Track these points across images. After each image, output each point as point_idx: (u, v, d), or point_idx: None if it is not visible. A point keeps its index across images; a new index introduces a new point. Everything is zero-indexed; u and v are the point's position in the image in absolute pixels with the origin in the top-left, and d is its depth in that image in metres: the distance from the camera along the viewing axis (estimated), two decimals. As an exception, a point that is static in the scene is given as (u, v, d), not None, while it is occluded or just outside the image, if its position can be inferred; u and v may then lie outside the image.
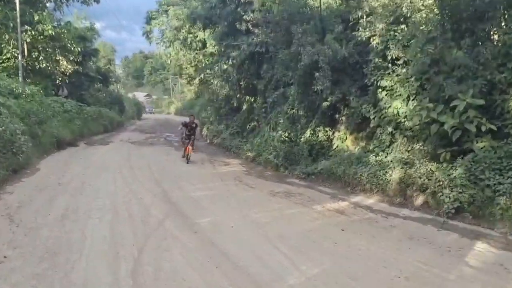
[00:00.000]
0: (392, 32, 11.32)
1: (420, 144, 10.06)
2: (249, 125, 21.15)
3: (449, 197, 8.25)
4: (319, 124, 14.56)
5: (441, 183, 8.66)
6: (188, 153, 16.47)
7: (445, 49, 9.58)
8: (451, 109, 9.21)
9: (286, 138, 15.23)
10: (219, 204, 9.28)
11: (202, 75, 28.85)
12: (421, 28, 10.29)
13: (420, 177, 9.23)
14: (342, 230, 7.20)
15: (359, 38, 12.83)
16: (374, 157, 11.17)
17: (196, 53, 27.24)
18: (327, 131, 14.45)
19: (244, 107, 21.54)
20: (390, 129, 11.30)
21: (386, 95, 11.78)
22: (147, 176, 13.12)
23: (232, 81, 20.62)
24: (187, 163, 16.12)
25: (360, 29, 12.34)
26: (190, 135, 16.93)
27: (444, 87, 9.46)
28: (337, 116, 14.26)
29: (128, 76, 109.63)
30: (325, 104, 13.15)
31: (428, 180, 9.06)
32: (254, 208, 8.87)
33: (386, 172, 10.32)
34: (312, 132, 14.67)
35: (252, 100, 20.59)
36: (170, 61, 31.97)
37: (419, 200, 9.17)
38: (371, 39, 11.98)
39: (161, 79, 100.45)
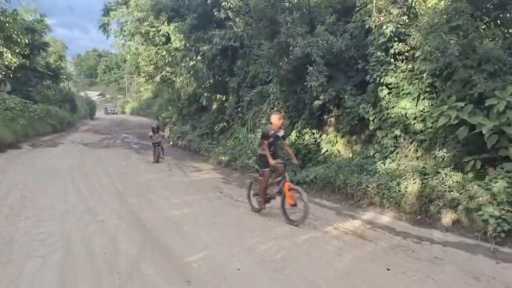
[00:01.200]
0: (405, 19, 9.60)
1: (442, 150, 8.35)
2: (218, 126, 18.99)
3: (493, 217, 6.60)
4: (305, 126, 12.67)
5: (479, 199, 6.99)
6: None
7: (473, 39, 7.96)
8: (484, 109, 7.63)
9: (268, 142, 13.20)
10: (208, 229, 7.11)
11: (163, 73, 26.26)
12: (442, 15, 8.61)
13: (448, 191, 7.54)
14: (388, 269, 5.27)
15: (355, 30, 11.13)
16: (382, 164, 9.41)
17: (158, 48, 24.62)
18: (314, 134, 12.59)
19: (214, 106, 19.32)
20: (397, 132, 9.60)
21: (389, 93, 10.11)
22: (107, 187, 10.66)
23: (202, 77, 18.34)
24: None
25: (366, 17, 10.51)
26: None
27: (473, 83, 7.85)
28: (325, 117, 12.44)
29: (80, 75, 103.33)
30: (316, 103, 11.27)
31: (459, 194, 7.39)
32: (255, 235, 6.79)
33: (399, 183, 8.60)
34: (298, 134, 12.76)
35: (223, 99, 18.42)
36: (129, 56, 28.94)
37: (448, 218, 7.45)
38: (374, 29, 10.21)
39: (116, 78, 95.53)
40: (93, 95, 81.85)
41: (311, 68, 10.51)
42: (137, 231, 6.76)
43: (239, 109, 17.13)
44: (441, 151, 8.57)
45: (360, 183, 9.34)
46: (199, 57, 18.11)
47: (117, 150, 19.81)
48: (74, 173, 12.73)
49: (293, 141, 12.71)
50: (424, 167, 8.49)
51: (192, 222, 7.46)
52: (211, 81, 18.37)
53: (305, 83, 10.71)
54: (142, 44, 24.91)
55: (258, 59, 16.76)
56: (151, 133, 16.33)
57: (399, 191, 8.49)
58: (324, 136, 12.52)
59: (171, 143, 23.71)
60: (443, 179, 7.84)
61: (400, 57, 10.31)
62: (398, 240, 6.71)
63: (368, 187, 9.14)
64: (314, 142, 12.54)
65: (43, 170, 12.89)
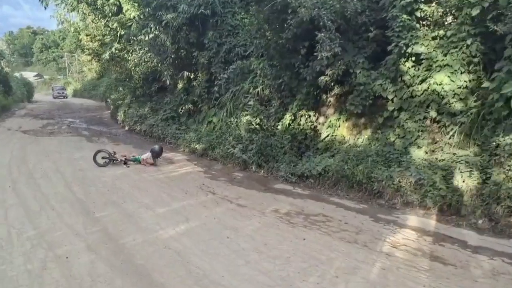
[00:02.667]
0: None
1: (505, 137, 6.62)
2: (182, 108, 16.42)
3: None
4: (301, 107, 10.61)
5: None
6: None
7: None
8: None
9: (257, 126, 11.03)
10: (232, 264, 4.92)
11: (113, 49, 22.87)
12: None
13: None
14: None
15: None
16: (422, 154, 7.62)
17: (107, 21, 21.18)
18: (310, 116, 10.58)
19: (180, 85, 16.67)
20: (432, 113, 7.79)
21: (413, 66, 8.27)
22: (63, 193, 8.07)
23: (164, 52, 15.57)
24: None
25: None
26: None
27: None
28: (324, 96, 10.45)
29: (13, 54, 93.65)
30: (323, 79, 9.19)
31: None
32: (305, 270, 4.67)
33: (445, 177, 6.87)
34: (292, 117, 10.68)
35: (191, 77, 15.81)
36: (72, 29, 25.04)
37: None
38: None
39: (54, 57, 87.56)
40: (30, 76, 73.76)
41: (322, 34, 8.39)
42: (127, 279, 4.40)
43: (211, 89, 14.69)
44: (506, 137, 6.79)
45: (390, 177, 7.51)
46: (161, 28, 15.29)
47: (65, 138, 16.69)
48: (15, 173, 9.88)
49: (287, 125, 10.64)
50: (482, 158, 6.74)
51: (200, 250, 5.21)
52: (175, 56, 15.65)
53: (311, 55, 8.57)
54: (88, 15, 21.31)
55: (233, 29, 14.35)
56: (145, 156, 11.47)
57: (448, 187, 6.76)
58: (322, 119, 10.55)
59: (126, 128, 20.78)
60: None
61: (424, 22, 8.51)
62: (492, 264, 4.89)
63: (401, 182, 7.33)
64: (311, 127, 10.53)
65: (-28, 170, 9.94)
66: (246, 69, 12.96)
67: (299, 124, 10.60)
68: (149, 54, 17.73)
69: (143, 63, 18.90)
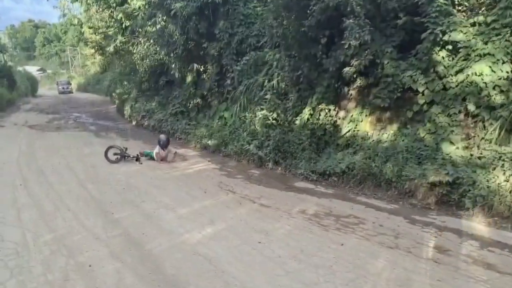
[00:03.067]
0: None
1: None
2: (191, 103, 15.96)
3: None
4: (321, 101, 10.13)
5: None
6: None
7: None
8: None
9: (274, 121, 10.57)
10: (270, 273, 4.49)
11: (117, 41, 22.34)
12: None
13: None
14: None
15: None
16: (456, 150, 7.15)
17: (111, 11, 20.63)
18: (330, 111, 10.10)
19: (189, 78, 16.17)
20: (470, 106, 7.29)
21: (449, 55, 7.76)
22: (76, 192, 7.67)
23: (173, 43, 15.05)
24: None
25: None
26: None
27: None
28: (346, 89, 9.95)
29: (16, 48, 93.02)
30: (348, 71, 8.69)
31: None
32: (341, 279, 4.30)
33: (487, 175, 6.42)
34: (311, 112, 10.21)
35: (200, 70, 15.30)
36: (75, 20, 24.49)
37: None
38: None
39: (57, 52, 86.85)
40: (33, 70, 73.07)
41: (350, 21, 7.89)
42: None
43: (222, 82, 14.21)
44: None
45: (424, 175, 7.04)
46: (169, 18, 14.78)
47: (73, 133, 16.28)
48: (25, 170, 9.47)
49: (306, 120, 10.17)
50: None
51: (233, 257, 4.79)
52: (184, 47, 15.14)
53: (332, 44, 8.09)
54: (92, 5, 20.73)
55: (245, 19, 13.82)
56: (157, 150, 11.09)
57: (489, 187, 6.30)
58: (342, 113, 10.07)
59: (133, 123, 20.34)
60: None
61: (460, 7, 8.02)
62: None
63: (435, 180, 6.87)
64: (331, 122, 10.05)
65: (-20, 167, 9.53)
66: (260, 61, 12.49)
67: (318, 119, 10.12)
68: (156, 46, 17.20)
69: (150, 56, 18.37)
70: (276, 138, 10.05)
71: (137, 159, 10.67)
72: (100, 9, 20.77)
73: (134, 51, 20.52)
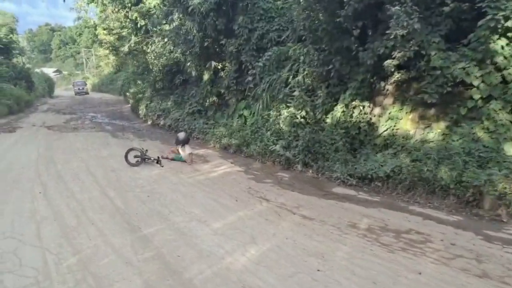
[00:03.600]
0: None
1: None
2: (208, 101, 14.85)
3: None
4: (354, 97, 8.92)
5: None
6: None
7: None
8: None
9: (302, 120, 9.39)
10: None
11: (131, 42, 21.27)
12: None
13: None
14: None
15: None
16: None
17: (127, 11, 19.54)
18: (364, 107, 8.89)
19: (206, 76, 15.01)
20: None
21: (508, 44, 6.54)
22: (99, 201, 6.59)
23: (191, 41, 13.89)
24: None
25: None
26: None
27: None
28: (382, 84, 8.74)
29: (33, 51, 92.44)
30: (390, 63, 7.47)
31: None
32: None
33: None
34: (344, 109, 9.01)
35: (219, 67, 14.13)
36: (92, 22, 23.44)
37: None
38: None
39: (72, 53, 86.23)
40: (49, 71, 72.25)
41: (396, 8, 6.67)
42: None
43: (240, 80, 13.05)
44: None
45: (491, 182, 5.82)
46: (186, 16, 13.62)
47: (89, 134, 15.21)
48: (44, 175, 8.40)
49: (339, 118, 8.98)
50: None
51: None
52: (201, 45, 13.97)
53: (366, 36, 6.87)
54: (108, 5, 19.65)
55: (265, 13, 12.63)
56: (175, 147, 10.40)
57: None
58: (377, 110, 8.87)
59: (149, 122, 19.25)
60: None
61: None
62: None
63: (506, 188, 5.65)
64: (365, 119, 8.84)
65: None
66: (283, 56, 11.28)
67: (351, 117, 8.92)
68: (170, 45, 16.05)
69: (166, 54, 17.22)
70: (306, 138, 8.87)
71: (158, 161, 9.56)
72: (116, 9, 19.64)
73: (148, 51, 19.44)
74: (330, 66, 9.10)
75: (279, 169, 9.19)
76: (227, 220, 5.60)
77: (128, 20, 19.83)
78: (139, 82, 25.07)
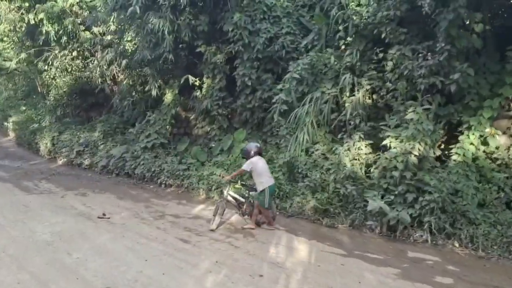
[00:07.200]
0: None
1: None
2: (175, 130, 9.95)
3: None
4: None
5: None
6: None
7: None
8: None
9: (415, 158, 5.43)
10: None
11: (22, 55, 14.36)
12: None
13: None
14: None
15: None
16: None
17: (22, 13, 12.73)
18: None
19: (169, 97, 9.81)
20: None
21: None
22: None
23: (157, 44, 8.81)
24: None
25: None
26: None
27: None
28: None
29: None
30: None
31: None
32: None
33: None
34: (478, 139, 5.46)
35: (196, 83, 9.20)
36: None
37: None
38: None
39: None
40: None
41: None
42: None
43: (229, 101, 8.68)
44: None
45: None
46: (151, 11, 8.58)
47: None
48: None
49: (474, 154, 5.39)
50: None
51: None
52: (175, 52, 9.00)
53: None
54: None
55: (269, 11, 8.64)
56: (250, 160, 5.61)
57: None
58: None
59: (59, 162, 12.87)
60: None
61: None
62: None
63: None
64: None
65: None
66: (321, 64, 7.25)
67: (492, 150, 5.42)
68: (111, 54, 10.45)
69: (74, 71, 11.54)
70: (442, 190, 4.98)
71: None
72: (7, 9, 12.64)
73: (46, 68, 13.24)
74: (453, 77, 5.41)
75: (385, 240, 5.12)
76: None
77: (25, 25, 13.01)
78: (23, 107, 19.32)
